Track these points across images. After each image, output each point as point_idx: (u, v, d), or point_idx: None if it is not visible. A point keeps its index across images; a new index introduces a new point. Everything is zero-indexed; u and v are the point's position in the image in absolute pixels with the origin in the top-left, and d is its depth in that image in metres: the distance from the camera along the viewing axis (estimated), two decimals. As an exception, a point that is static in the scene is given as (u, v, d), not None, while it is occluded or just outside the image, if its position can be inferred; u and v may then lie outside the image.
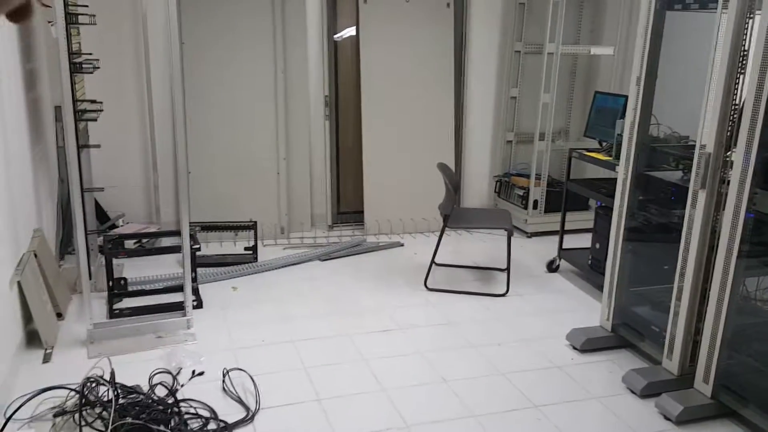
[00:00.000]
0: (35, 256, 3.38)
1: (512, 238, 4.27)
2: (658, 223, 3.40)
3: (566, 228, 4.63)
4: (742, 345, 2.84)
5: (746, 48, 2.64)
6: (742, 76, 2.66)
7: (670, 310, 3.03)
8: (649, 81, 3.15)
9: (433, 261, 4.34)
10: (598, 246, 4.23)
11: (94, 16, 3.52)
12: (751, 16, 2.63)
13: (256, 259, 4.69)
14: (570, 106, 5.99)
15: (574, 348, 3.47)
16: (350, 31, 5.38)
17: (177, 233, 3.63)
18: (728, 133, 2.71)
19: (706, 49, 2.76)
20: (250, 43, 5.03)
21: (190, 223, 3.51)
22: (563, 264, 4.66)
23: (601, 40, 5.76)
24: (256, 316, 3.78)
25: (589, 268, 4.35)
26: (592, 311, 3.90)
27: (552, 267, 4.66)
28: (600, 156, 4.27)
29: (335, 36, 5.39)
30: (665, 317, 3.07)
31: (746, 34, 2.64)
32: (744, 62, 2.65)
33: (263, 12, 5.03)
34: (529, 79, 5.70)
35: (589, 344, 3.44)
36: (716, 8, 2.71)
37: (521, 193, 5.57)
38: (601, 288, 3.59)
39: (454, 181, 4.34)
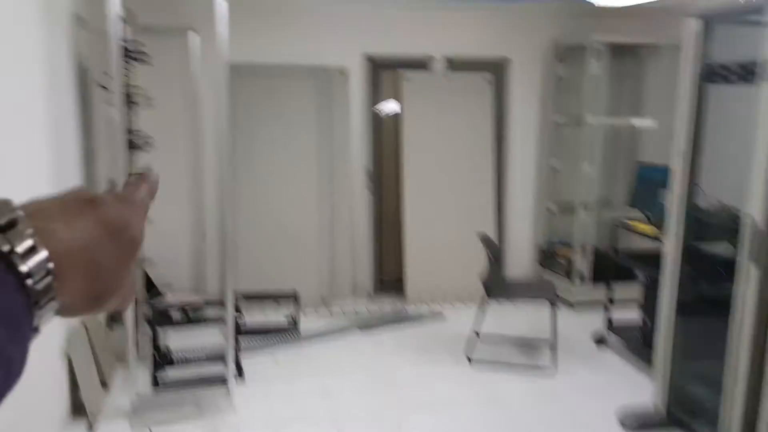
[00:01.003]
0: (85, 328, 3.46)
1: (557, 310, 4.19)
2: (709, 297, 3.30)
3: (613, 300, 4.52)
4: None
5: (792, 120, 2.62)
6: (789, 149, 2.62)
7: (726, 388, 2.90)
8: (692, 153, 3.13)
9: (475, 333, 4.27)
10: (647, 320, 4.11)
11: (150, 97, 3.72)
12: (795, 88, 2.61)
13: (297, 329, 4.70)
14: (613, 175, 5.95)
15: (626, 428, 3.32)
16: (393, 107, 5.53)
17: (221, 303, 3.68)
18: (778, 206, 2.65)
19: (752, 120, 2.75)
20: (296, 119, 5.21)
21: (233, 293, 3.56)
22: (611, 337, 4.53)
23: (642, 112, 5.77)
24: (297, 389, 3.75)
25: (638, 343, 4.21)
26: (644, 388, 3.74)
27: (600, 341, 4.53)
28: (645, 227, 4.20)
29: (379, 111, 5.55)
30: (720, 396, 2.93)
31: (791, 107, 2.62)
32: (790, 135, 2.61)
33: (309, 89, 5.23)
34: (570, 150, 5.71)
35: (641, 424, 3.29)
36: (758, 81, 2.71)
37: (565, 263, 5.49)
38: (651, 364, 3.46)
39: (495, 251, 4.31)
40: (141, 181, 0.56)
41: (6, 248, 0.39)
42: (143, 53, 3.63)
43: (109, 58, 3.17)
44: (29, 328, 0.40)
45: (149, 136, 3.91)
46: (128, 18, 3.78)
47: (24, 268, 0.39)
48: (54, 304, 0.42)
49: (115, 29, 3.14)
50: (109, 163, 4.49)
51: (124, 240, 0.48)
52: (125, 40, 3.44)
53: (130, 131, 3.61)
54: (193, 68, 4.93)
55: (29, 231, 0.41)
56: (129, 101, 3.56)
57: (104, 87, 3.56)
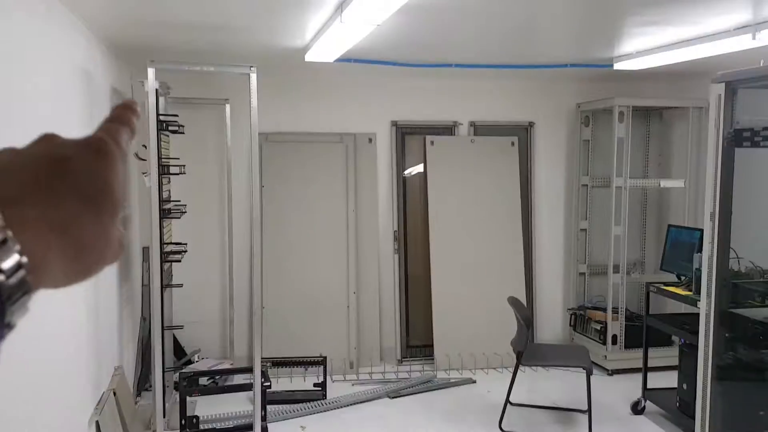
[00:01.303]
0: (114, 394, 3.47)
1: (592, 376, 4.08)
2: (748, 362, 3.19)
3: (649, 365, 4.39)
4: None
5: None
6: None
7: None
8: (723, 215, 3.10)
9: (507, 400, 4.17)
10: (685, 386, 3.97)
11: (183, 166, 3.84)
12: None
13: (325, 395, 4.63)
14: (643, 237, 5.89)
15: (668, 503, 3.17)
16: (418, 169, 5.60)
17: (249, 370, 3.67)
18: (816, 270, 2.59)
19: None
20: (324, 183, 5.30)
21: (261, 358, 3.55)
22: (649, 405, 4.37)
23: (670, 173, 5.75)
24: (325, 459, 3.67)
25: (677, 410, 4.06)
26: (685, 460, 3.59)
27: (637, 409, 4.38)
28: (679, 290, 4.12)
29: (404, 173, 5.62)
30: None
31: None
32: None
33: (337, 155, 5.34)
34: (599, 212, 5.68)
35: (684, 499, 3.14)
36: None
37: (598, 327, 5.37)
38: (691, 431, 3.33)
39: (525, 315, 4.25)
40: (121, 117, 0.50)
41: None
42: (178, 124, 3.77)
43: (146, 130, 3.30)
44: (1, 325, 0.37)
45: (182, 204, 4.01)
46: (164, 91, 3.95)
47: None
48: (29, 297, 0.39)
49: (152, 101, 3.28)
50: (144, 230, 4.60)
51: (105, 207, 0.44)
52: (161, 113, 3.58)
53: (164, 200, 3.71)
54: (224, 137, 5.09)
55: None
56: (164, 171, 3.68)
57: (141, 158, 3.69)
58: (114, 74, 4.05)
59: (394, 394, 4.72)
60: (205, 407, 4.29)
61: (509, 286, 5.30)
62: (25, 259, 0.38)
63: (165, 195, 3.91)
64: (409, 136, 5.63)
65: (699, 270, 3.46)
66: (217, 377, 4.66)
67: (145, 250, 4.61)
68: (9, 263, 0.37)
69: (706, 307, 3.18)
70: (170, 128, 3.70)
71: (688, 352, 3.91)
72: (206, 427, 3.98)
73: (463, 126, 5.66)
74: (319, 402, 4.50)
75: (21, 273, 0.38)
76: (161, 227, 3.40)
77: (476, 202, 5.49)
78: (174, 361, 4.62)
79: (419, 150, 5.58)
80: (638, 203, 5.85)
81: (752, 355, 3.16)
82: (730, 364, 3.23)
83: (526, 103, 5.72)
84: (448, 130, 5.65)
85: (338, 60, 4.12)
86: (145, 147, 3.38)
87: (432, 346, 5.34)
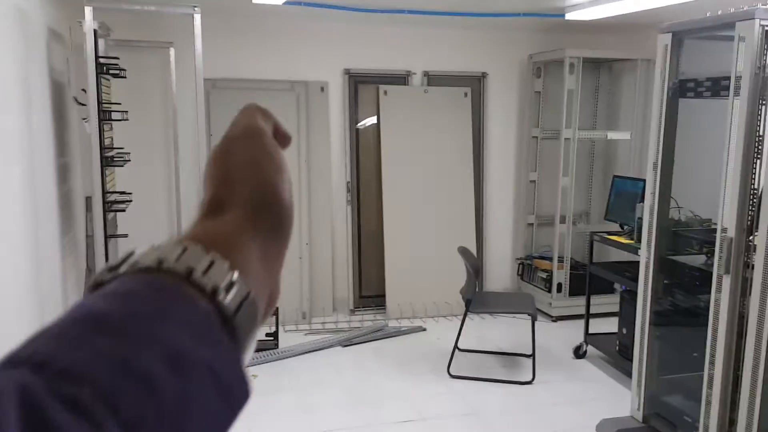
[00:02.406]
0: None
1: (537, 323, 4.20)
2: (684, 307, 3.34)
3: (592, 312, 4.55)
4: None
5: (761, 133, 2.67)
6: (758, 161, 2.67)
7: (702, 398, 2.92)
8: (665, 166, 3.18)
9: (456, 346, 4.27)
10: (624, 331, 4.14)
11: (126, 112, 3.70)
12: (764, 102, 2.67)
13: (277, 345, 4.66)
14: (590, 189, 6.02)
15: (605, 439, 3.33)
16: (371, 120, 5.55)
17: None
18: (749, 218, 2.70)
19: (723, 134, 2.79)
20: (275, 133, 5.20)
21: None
22: (590, 349, 4.55)
23: (618, 125, 5.85)
24: (276, 406, 3.71)
25: (617, 354, 4.24)
26: (623, 400, 3.76)
27: (579, 353, 4.55)
28: (622, 239, 4.25)
29: (357, 125, 5.56)
30: (698, 406, 2.95)
31: (760, 120, 2.67)
32: (760, 147, 2.67)
33: (287, 103, 5.24)
34: (548, 163, 5.76)
35: (619, 435, 3.30)
36: (728, 95, 2.77)
37: (545, 276, 5.52)
38: (630, 375, 3.48)
39: (475, 264, 4.33)
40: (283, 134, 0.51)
41: (219, 298, 0.36)
42: (119, 68, 3.61)
43: (85, 73, 3.15)
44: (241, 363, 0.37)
45: (126, 152, 3.89)
46: (103, 32, 3.77)
47: (230, 309, 0.36)
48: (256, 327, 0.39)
49: (90, 43, 3.13)
50: (86, 178, 4.46)
51: (288, 242, 0.45)
52: (101, 55, 3.42)
53: (106, 147, 3.58)
54: (169, 83, 4.92)
55: (227, 272, 0.37)
56: (105, 117, 3.54)
57: (80, 102, 3.54)
58: (51, 13, 3.83)
59: (347, 343, 4.78)
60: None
61: (460, 237, 5.37)
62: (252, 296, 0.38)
63: (107, 142, 3.78)
64: (362, 85, 5.55)
65: (641, 219, 3.57)
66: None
67: (88, 200, 4.47)
68: (241, 304, 0.37)
69: (646, 255, 3.28)
70: (111, 72, 3.55)
71: (628, 298, 4.06)
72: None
73: (417, 76, 5.60)
74: (271, 351, 4.52)
75: (251, 310, 0.38)
76: (103, 176, 3.29)
77: (429, 153, 5.50)
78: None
79: (372, 100, 5.52)
80: (586, 155, 5.96)
81: (688, 301, 3.30)
82: (668, 309, 3.37)
83: (480, 53, 5.69)
84: (402, 79, 5.59)
85: (288, 3, 4.00)
86: (85, 91, 3.24)
87: (384, 296, 5.41)
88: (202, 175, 0.46)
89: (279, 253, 0.44)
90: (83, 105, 3.40)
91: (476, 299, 4.27)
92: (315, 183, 5.32)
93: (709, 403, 2.88)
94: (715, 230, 2.87)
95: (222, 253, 0.38)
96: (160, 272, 0.36)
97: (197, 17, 3.23)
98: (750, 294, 2.64)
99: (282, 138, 0.51)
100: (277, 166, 0.47)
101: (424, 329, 5.15)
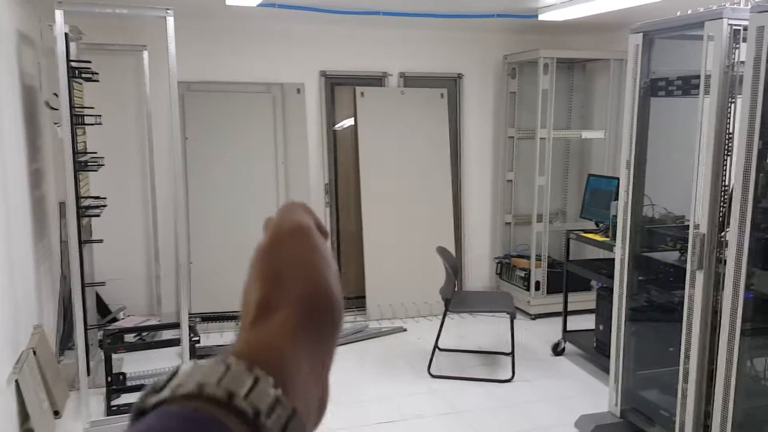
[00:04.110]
0: (34, 353, 3.35)
1: (516, 321, 4.24)
2: (659, 303, 3.39)
3: (569, 309, 4.59)
4: (754, 428, 2.77)
5: (731, 131, 2.72)
6: (729, 158, 2.72)
7: (678, 393, 2.97)
8: (639, 164, 3.22)
9: (436, 346, 4.29)
10: (601, 328, 4.19)
11: (99, 116, 3.65)
12: (733, 100, 2.72)
13: (257, 349, 4.62)
14: (565, 188, 6.08)
15: (584, 435, 3.37)
16: (349, 122, 5.55)
17: (177, 326, 3.61)
18: (721, 214, 2.75)
19: (694, 132, 2.84)
20: (252, 136, 5.18)
21: (190, 314, 3.50)
22: (568, 346, 4.60)
23: (592, 124, 5.92)
24: (257, 410, 3.69)
25: (594, 351, 4.29)
26: (601, 395, 3.80)
27: (557, 350, 4.60)
28: (597, 237, 4.30)
29: (335, 127, 5.56)
30: (674, 400, 3.00)
31: (730, 117, 2.72)
32: (730, 144, 2.72)
33: (263, 105, 5.21)
34: (524, 163, 5.81)
35: (597, 430, 3.34)
36: (699, 93, 2.82)
37: (523, 274, 5.57)
38: (608, 371, 3.53)
39: (453, 264, 4.35)
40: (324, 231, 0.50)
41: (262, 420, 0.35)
42: (91, 71, 3.57)
43: (57, 77, 3.11)
44: None
45: (100, 156, 3.84)
46: (75, 36, 3.72)
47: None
48: None
49: (60, 47, 3.08)
50: (59, 184, 4.39)
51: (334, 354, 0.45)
52: (72, 59, 3.38)
53: (79, 151, 3.53)
54: (144, 86, 4.87)
55: (271, 392, 0.37)
56: (78, 121, 3.49)
57: (52, 107, 3.49)
58: (21, 17, 3.77)
59: (326, 345, 4.77)
60: (134, 365, 4.21)
61: (438, 237, 5.39)
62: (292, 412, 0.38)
63: (80, 147, 3.73)
64: (338, 87, 5.55)
65: (615, 217, 3.61)
66: (144, 334, 4.57)
67: (62, 205, 4.41)
68: (280, 422, 0.37)
69: (621, 252, 3.33)
70: (83, 75, 3.50)
71: (605, 295, 4.11)
72: (134, 384, 3.91)
73: (393, 77, 5.62)
74: (250, 355, 4.49)
75: (296, 428, 0.37)
76: (77, 180, 3.24)
77: (407, 154, 5.51)
78: (98, 319, 4.50)
79: (349, 101, 5.52)
80: (562, 154, 6.02)
81: (663, 297, 3.36)
82: (643, 305, 3.42)
83: (455, 54, 5.72)
84: (378, 80, 5.59)
85: (262, 5, 3.98)
86: (57, 95, 3.19)
87: (364, 297, 5.40)
88: (249, 270, 0.45)
89: (328, 353, 0.44)
90: (55, 109, 3.35)
91: (455, 299, 4.29)
92: (293, 185, 5.30)
93: (684, 396, 2.93)
94: (687, 227, 2.93)
95: (267, 368, 0.38)
96: (201, 398, 0.35)
97: (170, 20, 3.20)
98: (722, 289, 2.69)
99: (322, 232, 0.50)
100: (327, 262, 0.46)
101: (405, 330, 5.16)
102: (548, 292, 5.39)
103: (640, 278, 3.38)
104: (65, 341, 4.37)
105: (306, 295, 0.43)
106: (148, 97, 4.86)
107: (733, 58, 2.71)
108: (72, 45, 3.69)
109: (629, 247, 3.29)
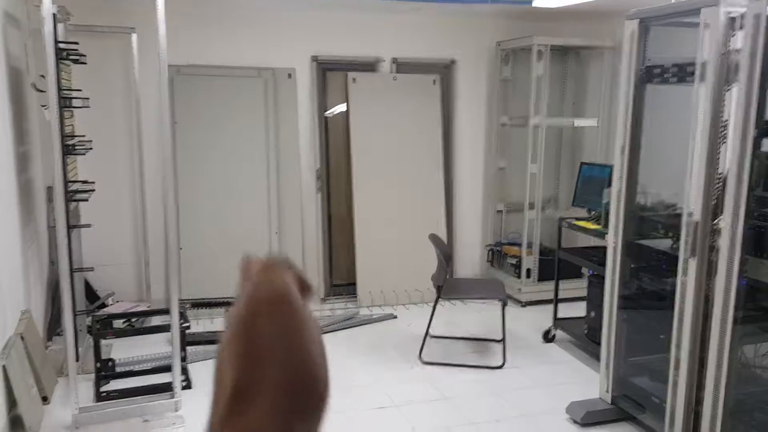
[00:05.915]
0: (22, 338, 3.32)
1: (507, 308, 4.24)
2: (651, 291, 3.39)
3: (560, 297, 4.60)
4: (745, 415, 2.78)
5: (726, 118, 2.71)
6: (723, 145, 2.71)
7: (669, 380, 2.98)
8: (633, 151, 3.21)
9: (427, 333, 4.29)
10: (593, 315, 4.20)
11: (87, 98, 3.60)
12: (728, 87, 2.71)
13: (247, 335, 4.61)
14: (558, 175, 6.08)
15: (575, 422, 3.38)
16: (341, 108, 5.50)
17: (166, 312, 3.58)
18: (714, 201, 2.75)
19: (689, 119, 2.83)
20: (242, 121, 5.13)
21: (180, 300, 3.47)
22: (559, 333, 4.61)
23: (585, 112, 5.91)
24: (248, 396, 3.68)
25: (585, 338, 4.30)
26: (591, 382, 3.82)
27: (548, 337, 4.61)
28: (589, 225, 4.30)
29: (326, 112, 5.51)
30: (665, 387, 3.01)
31: (725, 105, 2.71)
32: (724, 132, 2.71)
33: (255, 91, 5.16)
34: (517, 150, 5.79)
35: (589, 418, 3.36)
36: (694, 81, 2.80)
37: (514, 262, 5.57)
38: (599, 358, 3.54)
39: (445, 251, 4.34)
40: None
41: None
42: (79, 53, 3.50)
43: (44, 59, 3.04)
44: None
45: (88, 140, 3.78)
46: (63, 17, 3.65)
47: None
48: None
49: (48, 28, 3.02)
50: (46, 168, 4.33)
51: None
52: (60, 40, 3.31)
53: (67, 135, 3.48)
54: (132, 69, 4.80)
55: None
56: (65, 104, 3.43)
57: (39, 89, 3.43)
58: (5, -3, 3.69)
59: (317, 331, 4.76)
60: (123, 350, 4.18)
61: (430, 224, 5.37)
62: None
63: (68, 130, 3.67)
64: (330, 72, 5.50)
65: (608, 204, 3.61)
66: (133, 320, 4.53)
67: (49, 190, 4.35)
68: None
69: (613, 240, 3.33)
70: (71, 57, 3.44)
71: (596, 282, 4.11)
72: (123, 370, 3.89)
73: (386, 63, 5.57)
74: (240, 341, 4.47)
75: None
76: (65, 164, 3.19)
77: (398, 141, 5.48)
78: (87, 305, 4.46)
79: (341, 87, 5.47)
80: (554, 142, 6.00)
81: (655, 284, 3.36)
82: (635, 293, 3.42)
83: (448, 40, 5.68)
84: (370, 66, 5.54)
85: (254, -12, 3.92)
86: (44, 77, 3.13)
87: (355, 284, 5.39)
88: (219, 347, 0.41)
89: (313, 430, 0.41)
90: (42, 91, 3.29)
91: (447, 286, 4.28)
92: (284, 171, 5.26)
93: (675, 384, 2.94)
94: (680, 214, 2.92)
95: None
96: None
97: (160, 2, 3.14)
98: (715, 276, 2.70)
99: (306, 290, 0.46)
100: (312, 336, 0.42)
101: (395, 317, 5.16)
102: (539, 280, 5.40)
103: (632, 266, 3.38)
104: (53, 327, 4.33)
105: (286, 381, 0.40)
106: (136, 80, 4.80)
107: (729, 46, 2.69)
108: (59, 26, 3.63)
109: (621, 235, 3.28)
